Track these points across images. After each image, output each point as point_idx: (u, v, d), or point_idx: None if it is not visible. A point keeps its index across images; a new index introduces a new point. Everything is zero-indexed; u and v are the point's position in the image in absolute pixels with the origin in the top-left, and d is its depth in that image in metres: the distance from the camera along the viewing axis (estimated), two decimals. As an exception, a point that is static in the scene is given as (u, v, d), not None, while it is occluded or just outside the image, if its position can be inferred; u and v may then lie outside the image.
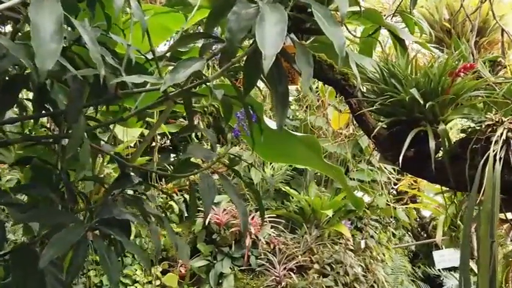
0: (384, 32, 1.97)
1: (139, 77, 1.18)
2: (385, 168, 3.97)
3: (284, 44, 1.59)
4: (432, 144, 1.43)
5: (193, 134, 4.42)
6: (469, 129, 1.48)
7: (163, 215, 1.38)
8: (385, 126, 1.59)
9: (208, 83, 1.20)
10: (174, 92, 1.31)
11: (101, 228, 1.20)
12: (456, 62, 1.54)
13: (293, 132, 2.13)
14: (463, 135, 1.51)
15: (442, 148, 1.49)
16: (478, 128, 1.43)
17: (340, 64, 1.18)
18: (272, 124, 2.05)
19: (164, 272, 3.72)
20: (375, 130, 1.55)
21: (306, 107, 4.43)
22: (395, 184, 4.35)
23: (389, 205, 4.10)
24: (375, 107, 1.55)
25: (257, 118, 1.37)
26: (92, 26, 1.16)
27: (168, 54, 1.46)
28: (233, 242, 3.81)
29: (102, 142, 1.61)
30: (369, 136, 1.61)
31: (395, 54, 1.74)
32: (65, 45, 1.06)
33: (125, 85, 1.24)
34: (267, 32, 0.99)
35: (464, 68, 1.44)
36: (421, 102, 1.45)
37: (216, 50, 1.32)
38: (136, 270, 3.57)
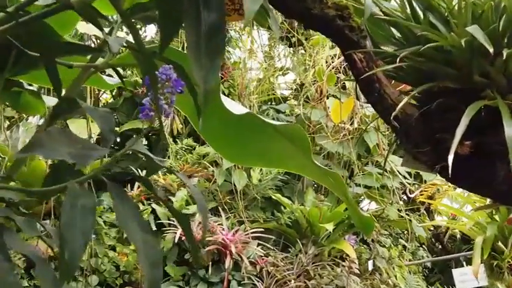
0: None
1: None
2: (398, 172, 3.30)
3: None
4: (509, 131, 0.76)
5: (169, 130, 3.76)
6: None
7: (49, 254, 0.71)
8: (416, 100, 0.90)
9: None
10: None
11: None
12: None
13: (269, 120, 1.44)
14: None
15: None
16: None
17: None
18: (232, 105, 1.38)
19: (127, 299, 3.19)
20: (397, 107, 0.85)
21: (306, 98, 3.76)
22: (410, 192, 3.70)
23: (402, 217, 3.46)
24: (396, 65, 0.85)
25: (189, 86, 0.75)
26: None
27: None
28: (210, 263, 3.27)
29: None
30: (386, 119, 0.90)
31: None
32: None
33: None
34: None
35: None
36: (490, 50, 0.75)
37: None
38: (92, 297, 3.03)
